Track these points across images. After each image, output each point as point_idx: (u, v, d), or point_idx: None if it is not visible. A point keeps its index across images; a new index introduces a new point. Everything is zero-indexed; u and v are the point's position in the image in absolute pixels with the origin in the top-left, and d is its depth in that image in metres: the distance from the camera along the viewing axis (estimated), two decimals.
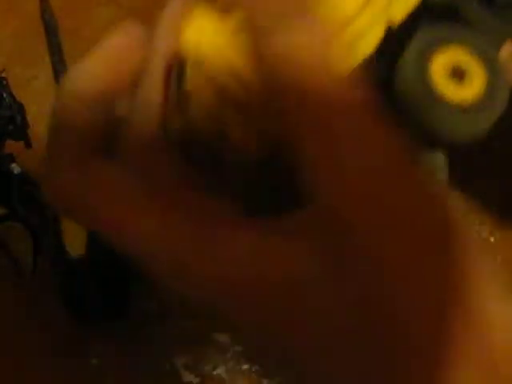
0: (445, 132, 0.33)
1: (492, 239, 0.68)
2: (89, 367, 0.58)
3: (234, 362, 0.63)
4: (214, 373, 0.61)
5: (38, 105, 0.66)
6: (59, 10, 0.69)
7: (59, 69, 0.66)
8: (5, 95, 0.62)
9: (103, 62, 0.31)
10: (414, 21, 0.33)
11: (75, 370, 0.58)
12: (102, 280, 0.58)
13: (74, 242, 0.57)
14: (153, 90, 0.30)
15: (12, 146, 0.62)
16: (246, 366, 0.62)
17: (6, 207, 0.60)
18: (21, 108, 0.62)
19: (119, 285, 0.59)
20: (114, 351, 0.59)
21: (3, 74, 0.63)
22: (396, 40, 0.33)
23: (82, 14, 0.70)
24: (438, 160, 0.41)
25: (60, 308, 0.59)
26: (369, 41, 0.33)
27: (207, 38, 0.30)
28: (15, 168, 0.60)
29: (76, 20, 0.70)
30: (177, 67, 0.31)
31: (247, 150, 0.31)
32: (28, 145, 0.62)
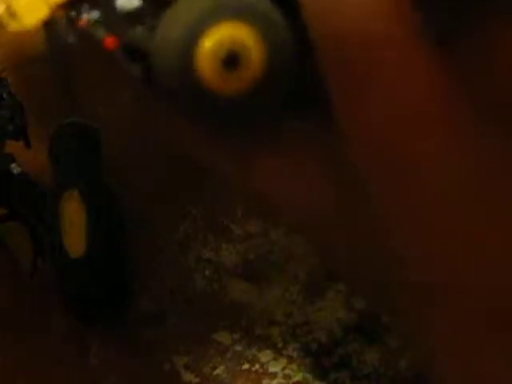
0: (215, 121, 0.28)
1: None
2: (89, 367, 0.58)
3: (234, 362, 0.63)
4: (214, 373, 0.61)
5: (38, 105, 0.66)
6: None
7: (59, 69, 0.65)
8: (5, 95, 0.62)
9: None
10: None
11: (75, 370, 0.58)
12: (101, 280, 0.58)
13: (74, 242, 0.57)
14: None
15: (12, 145, 0.62)
16: (246, 366, 0.62)
17: (6, 207, 0.60)
18: (21, 108, 0.62)
19: (119, 285, 0.59)
20: (114, 351, 0.59)
21: (3, 74, 0.63)
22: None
23: None
24: None
25: (60, 308, 0.59)
26: None
27: None
28: (15, 168, 0.60)
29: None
30: None
31: None
32: (28, 145, 0.62)
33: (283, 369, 0.65)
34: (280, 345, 0.66)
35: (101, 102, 0.69)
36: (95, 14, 0.29)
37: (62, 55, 0.69)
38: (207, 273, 0.66)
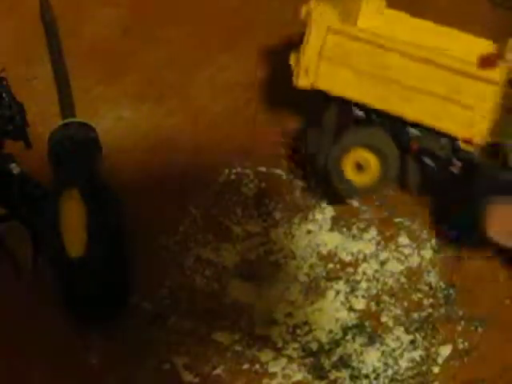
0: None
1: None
2: (89, 367, 0.59)
3: (233, 362, 0.63)
4: (214, 373, 0.61)
5: (38, 105, 0.66)
6: (59, 9, 0.69)
7: (59, 69, 0.66)
8: (5, 95, 0.62)
9: None
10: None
11: (75, 370, 0.59)
12: (101, 280, 0.58)
13: (74, 242, 0.58)
14: None
15: (12, 145, 0.62)
16: (246, 366, 0.62)
17: (6, 207, 0.60)
18: (21, 108, 0.63)
19: (119, 285, 0.59)
20: (114, 351, 0.59)
21: (3, 74, 0.63)
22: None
23: (82, 14, 0.70)
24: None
25: (60, 308, 0.59)
26: None
27: None
28: (15, 168, 0.60)
29: (76, 20, 0.70)
30: None
31: None
32: (28, 145, 0.62)
33: (283, 369, 0.66)
34: (280, 345, 0.66)
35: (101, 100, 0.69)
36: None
37: (61, 54, 0.69)
38: (207, 273, 0.66)
